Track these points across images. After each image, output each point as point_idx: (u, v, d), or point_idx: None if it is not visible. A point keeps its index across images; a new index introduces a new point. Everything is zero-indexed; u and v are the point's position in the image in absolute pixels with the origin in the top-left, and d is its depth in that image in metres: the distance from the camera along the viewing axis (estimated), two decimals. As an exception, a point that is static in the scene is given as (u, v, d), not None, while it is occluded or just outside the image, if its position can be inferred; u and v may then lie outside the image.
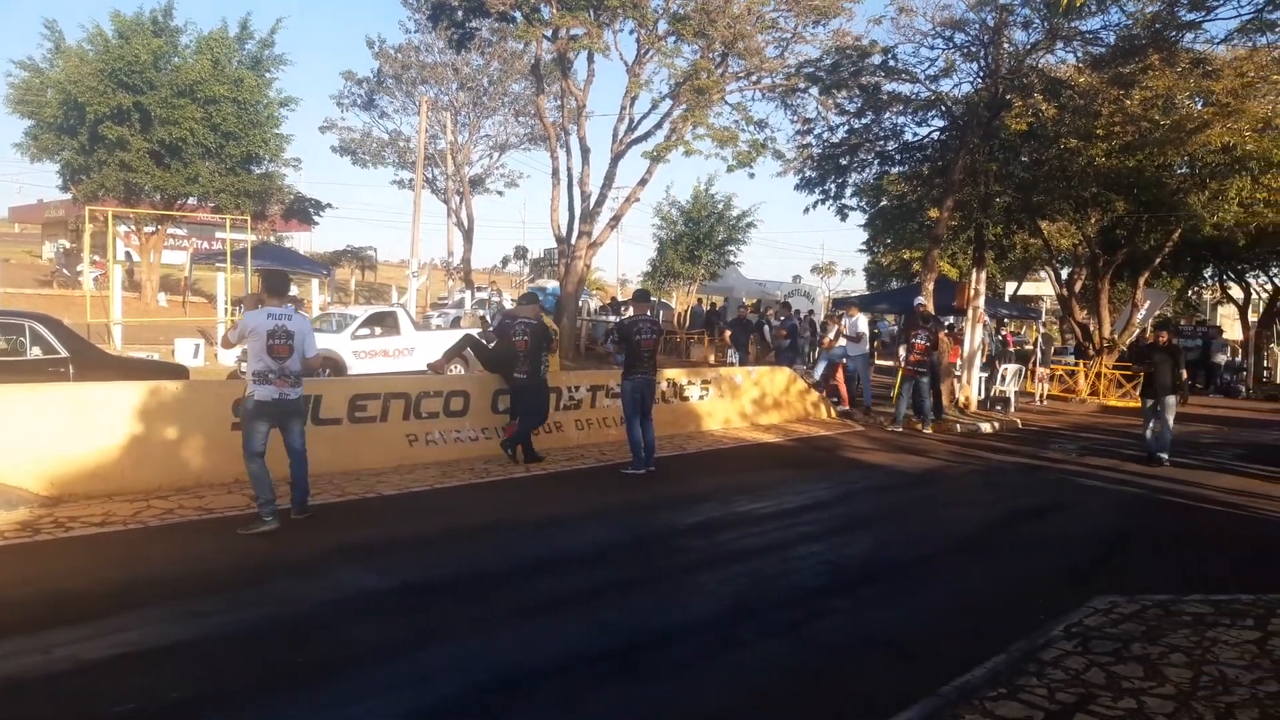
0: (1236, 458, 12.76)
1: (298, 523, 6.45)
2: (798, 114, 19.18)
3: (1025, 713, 3.84)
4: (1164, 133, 15.64)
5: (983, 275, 17.40)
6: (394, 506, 7.37)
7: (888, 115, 17.31)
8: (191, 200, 27.78)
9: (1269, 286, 30.66)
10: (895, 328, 27.62)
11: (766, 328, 20.92)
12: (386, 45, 36.30)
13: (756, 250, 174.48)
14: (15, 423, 6.68)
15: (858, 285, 53.53)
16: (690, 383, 12.84)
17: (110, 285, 20.09)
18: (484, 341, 10.74)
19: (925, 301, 15.37)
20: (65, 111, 24.51)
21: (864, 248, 38.34)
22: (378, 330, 15.52)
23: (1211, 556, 7.22)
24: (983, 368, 17.48)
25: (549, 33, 19.38)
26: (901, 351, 14.09)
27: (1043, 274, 31.62)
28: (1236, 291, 31.63)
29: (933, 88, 16.26)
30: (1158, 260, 22.60)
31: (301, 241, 50.20)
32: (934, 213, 18.35)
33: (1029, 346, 24.79)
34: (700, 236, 33.72)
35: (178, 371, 10.13)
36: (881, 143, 17.93)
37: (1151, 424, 11.54)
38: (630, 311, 10.36)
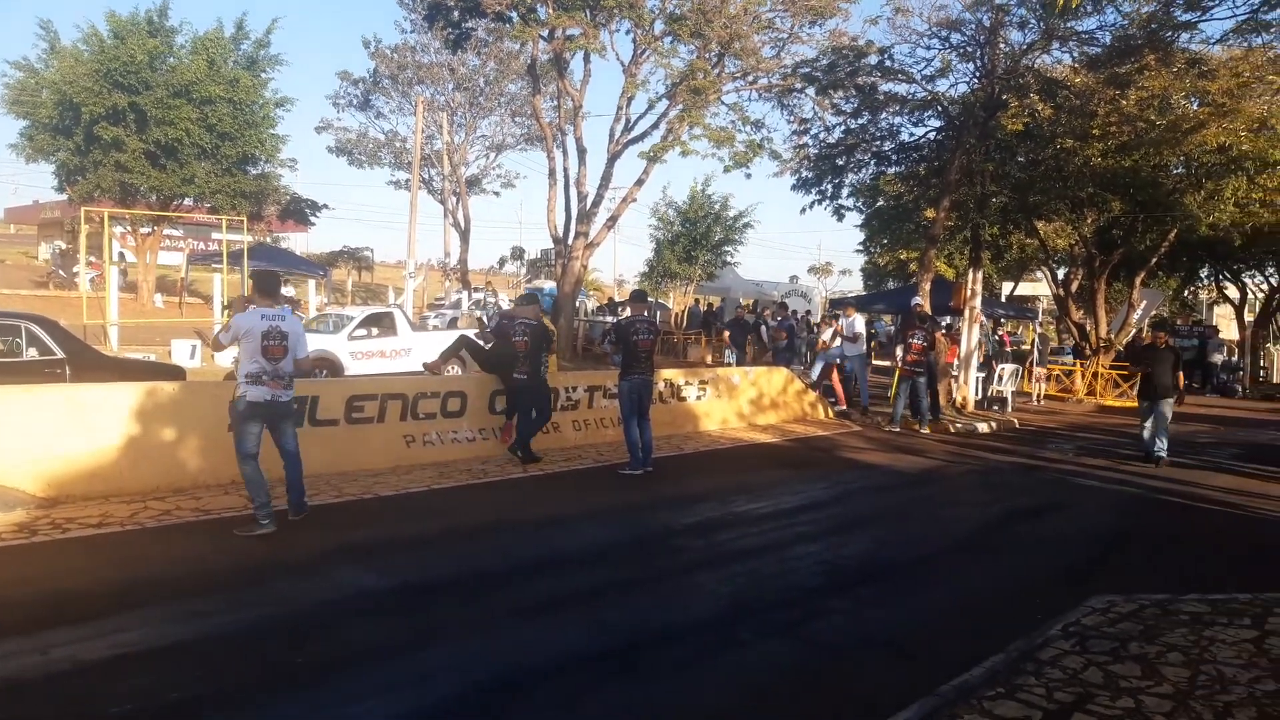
0: (1233, 457, 12.79)
1: (296, 523, 6.44)
2: (794, 114, 19.22)
3: (1023, 712, 3.84)
4: (1160, 133, 15.69)
5: (979, 275, 17.44)
6: (392, 507, 7.37)
7: (884, 115, 17.33)
8: (187, 201, 27.73)
9: (1265, 286, 30.75)
10: (892, 328, 27.65)
11: (764, 328, 20.93)
12: (382, 45, 36.37)
13: (753, 250, 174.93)
14: (12, 424, 6.66)
15: (854, 285, 53.53)
16: (688, 383, 12.85)
17: (106, 286, 20.05)
18: (480, 342, 10.73)
19: (922, 301, 15.40)
20: (60, 112, 24.46)
21: (860, 248, 38.43)
22: (374, 331, 15.51)
23: (1209, 556, 7.24)
24: (980, 368, 17.51)
25: (545, 33, 19.37)
26: (898, 352, 14.10)
27: (1039, 274, 31.71)
28: (1232, 291, 31.72)
29: (929, 88, 16.30)
30: (1154, 260, 22.66)
31: (298, 242, 50.08)
32: (930, 213, 18.38)
33: (1026, 347, 24.83)
34: (697, 237, 33.76)
35: (174, 372, 10.10)
36: (878, 143, 17.95)
37: (1149, 424, 11.56)
38: (627, 312, 10.36)
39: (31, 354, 8.40)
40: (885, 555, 6.80)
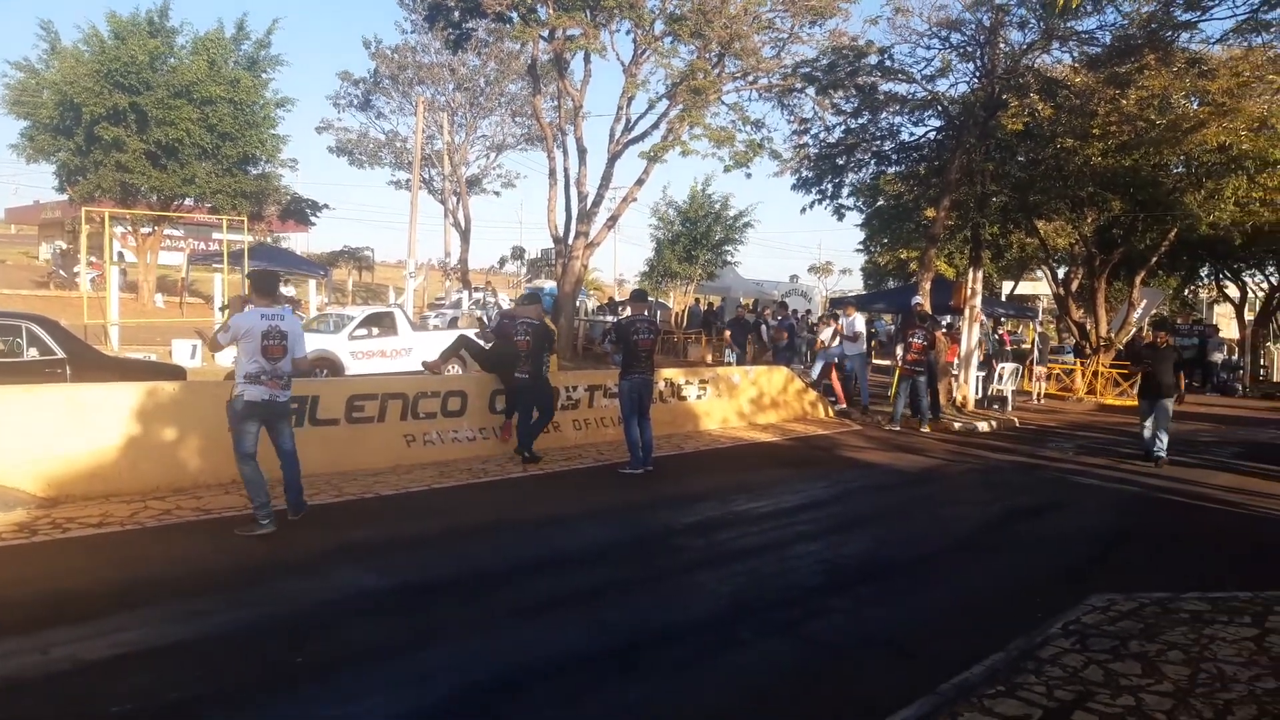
0: (1233, 456, 12.79)
1: (296, 523, 6.44)
2: (794, 114, 19.22)
3: (1024, 710, 3.84)
4: (1160, 132, 15.67)
5: (979, 274, 17.43)
6: (392, 506, 7.37)
7: (884, 115, 17.33)
8: (188, 201, 27.73)
9: (1265, 285, 30.74)
10: (892, 327, 27.64)
11: (764, 327, 20.94)
12: (383, 46, 36.36)
13: (754, 250, 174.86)
14: (12, 424, 6.66)
15: (855, 285, 53.55)
16: (688, 382, 12.85)
17: (107, 286, 20.05)
18: (480, 342, 10.73)
19: (922, 301, 15.40)
20: (61, 112, 24.47)
21: (861, 247, 38.44)
22: (375, 331, 15.51)
23: (1209, 554, 7.24)
24: (980, 367, 17.51)
25: (545, 33, 19.37)
26: (899, 351, 14.10)
27: (1039, 273, 31.70)
28: (1233, 290, 31.71)
29: (929, 88, 16.30)
30: (1154, 259, 22.65)
31: (298, 242, 50.10)
32: (931, 212, 18.37)
33: (1026, 346, 24.83)
34: (697, 236, 33.74)
35: (175, 372, 10.10)
36: (878, 143, 17.95)
37: (1149, 423, 11.56)
38: (628, 311, 10.36)
39: (32, 354, 8.41)
40: (885, 554, 6.80)
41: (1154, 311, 27.31)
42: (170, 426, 7.36)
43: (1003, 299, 33.81)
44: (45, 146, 25.29)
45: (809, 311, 31.05)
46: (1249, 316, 30.98)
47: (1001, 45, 15.58)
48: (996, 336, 21.83)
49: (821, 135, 18.23)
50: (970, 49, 15.76)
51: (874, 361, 19.80)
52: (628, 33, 19.66)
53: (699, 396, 12.86)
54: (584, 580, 5.72)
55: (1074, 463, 11.58)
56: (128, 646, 4.25)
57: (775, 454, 11.23)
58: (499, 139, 40.03)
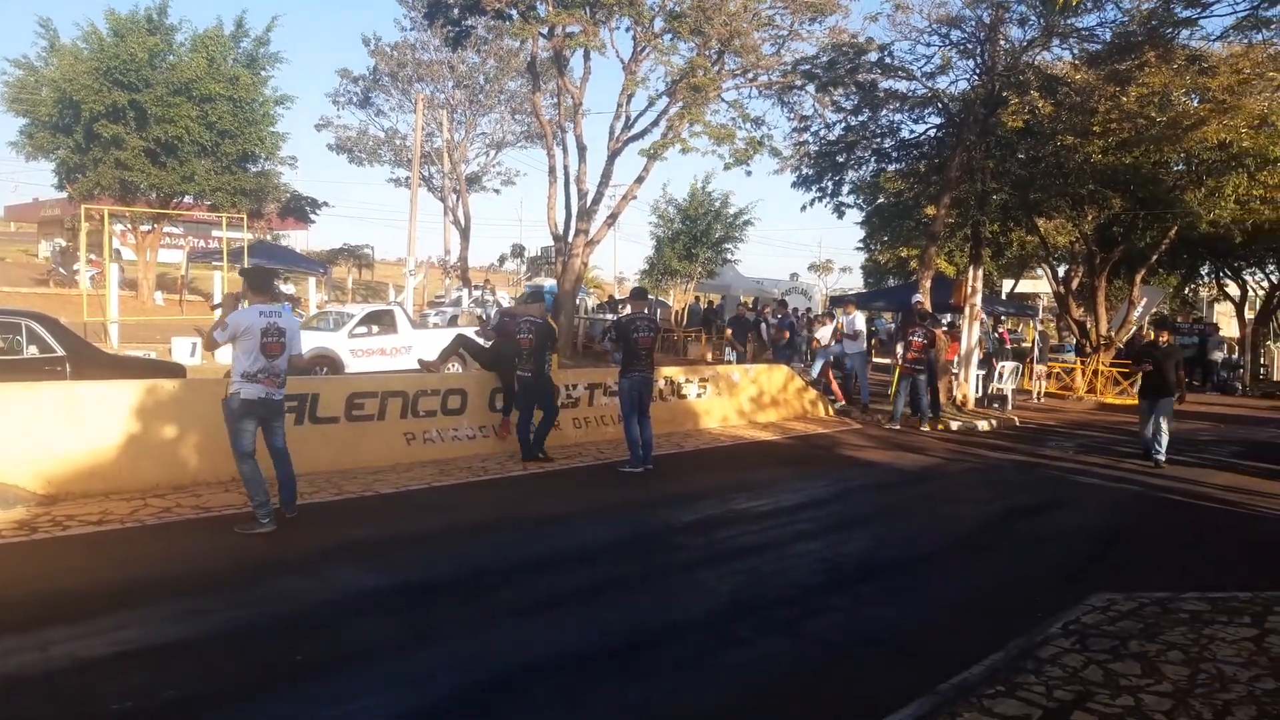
0: (1233, 455, 12.78)
1: (296, 521, 6.44)
2: (794, 111, 19.17)
3: (1023, 710, 3.84)
4: (1160, 129, 15.67)
5: (980, 273, 17.42)
6: (392, 505, 7.37)
7: (884, 112, 17.31)
8: (188, 199, 27.70)
9: (1265, 283, 30.72)
10: (892, 325, 27.65)
11: (764, 326, 20.95)
12: (382, 43, 36.33)
13: (754, 248, 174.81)
14: (12, 421, 6.66)
15: (855, 283, 53.56)
16: (688, 380, 12.84)
17: (107, 284, 20.04)
18: (479, 340, 10.73)
19: (923, 299, 15.39)
20: (60, 110, 24.43)
21: (861, 245, 38.38)
22: (375, 329, 15.51)
23: (1209, 554, 7.23)
24: (980, 365, 17.50)
25: (545, 30, 19.35)
26: (899, 349, 14.11)
27: (1040, 271, 31.71)
28: (1233, 288, 31.68)
29: (929, 85, 16.28)
30: (1154, 257, 22.64)
31: (298, 240, 50.12)
32: (931, 210, 18.37)
33: (1026, 344, 24.83)
34: (697, 234, 33.72)
35: (174, 370, 10.10)
36: (878, 140, 17.93)
37: (1149, 422, 11.55)
38: (627, 309, 10.36)
39: (32, 351, 8.40)
40: (885, 553, 6.80)
41: (1154, 310, 27.28)
42: (170, 424, 7.36)
43: (1003, 297, 33.79)
44: (44, 144, 25.25)
45: (809, 310, 31.04)
46: (1249, 315, 30.96)
47: (1002, 42, 15.57)
48: (996, 335, 21.84)
49: (821, 133, 18.23)
50: (970, 46, 15.75)
51: (874, 360, 19.80)
52: (627, 30, 19.66)
53: (699, 395, 12.85)
54: (584, 579, 5.72)
55: (1074, 462, 11.58)
56: (127, 645, 4.25)
57: (775, 452, 11.23)
58: (499, 136, 40.06)
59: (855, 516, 8.13)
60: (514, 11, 18.82)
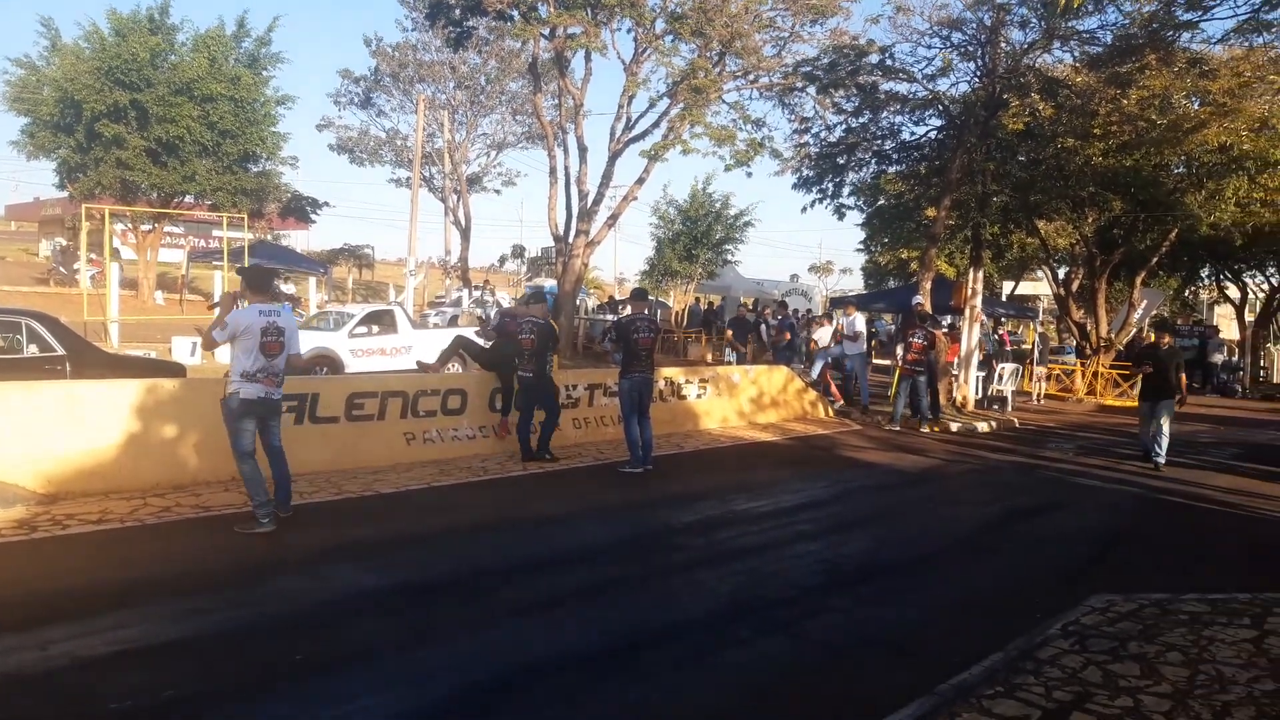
0: (1233, 457, 12.79)
1: (296, 521, 6.44)
2: (795, 113, 19.20)
3: (1022, 711, 3.84)
4: (1161, 132, 15.67)
5: (980, 274, 17.42)
6: (392, 505, 7.37)
7: (885, 114, 17.31)
8: (188, 198, 27.70)
9: (1265, 286, 30.73)
10: (893, 327, 27.64)
11: (764, 327, 20.95)
12: (384, 44, 36.35)
13: (754, 249, 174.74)
14: (12, 421, 6.66)
15: (855, 284, 53.50)
16: (688, 381, 12.85)
17: (107, 283, 20.04)
18: (479, 341, 10.73)
19: (923, 300, 15.40)
20: (62, 109, 24.44)
21: (861, 247, 38.39)
22: (375, 329, 15.51)
23: (1208, 555, 7.24)
24: (980, 367, 17.50)
25: (546, 31, 19.36)
26: (899, 350, 14.10)
27: (1040, 273, 31.68)
28: (1233, 291, 31.71)
29: (930, 87, 16.28)
30: (1155, 260, 22.65)
31: (299, 240, 50.09)
32: (931, 212, 18.37)
33: (1026, 346, 24.82)
34: (698, 235, 33.73)
35: (174, 369, 10.09)
36: (879, 142, 17.93)
37: (1149, 425, 11.54)
38: (628, 310, 10.37)
39: (32, 350, 8.39)
40: (885, 554, 6.80)
41: (1154, 312, 27.29)
42: (170, 423, 7.36)
43: (1003, 299, 33.81)
44: (46, 143, 25.25)
45: (809, 311, 31.04)
46: (1249, 317, 30.98)
47: (1002, 45, 15.58)
48: (996, 337, 21.84)
49: (822, 134, 18.23)
50: (971, 48, 15.76)
51: (874, 361, 19.80)
52: (629, 31, 19.68)
53: (699, 395, 12.86)
54: (584, 579, 5.73)
55: (1073, 463, 11.58)
56: (127, 644, 4.25)
57: (775, 453, 11.23)
58: (499, 137, 40.07)
59: (855, 517, 8.13)
60: (515, 12, 18.84)
